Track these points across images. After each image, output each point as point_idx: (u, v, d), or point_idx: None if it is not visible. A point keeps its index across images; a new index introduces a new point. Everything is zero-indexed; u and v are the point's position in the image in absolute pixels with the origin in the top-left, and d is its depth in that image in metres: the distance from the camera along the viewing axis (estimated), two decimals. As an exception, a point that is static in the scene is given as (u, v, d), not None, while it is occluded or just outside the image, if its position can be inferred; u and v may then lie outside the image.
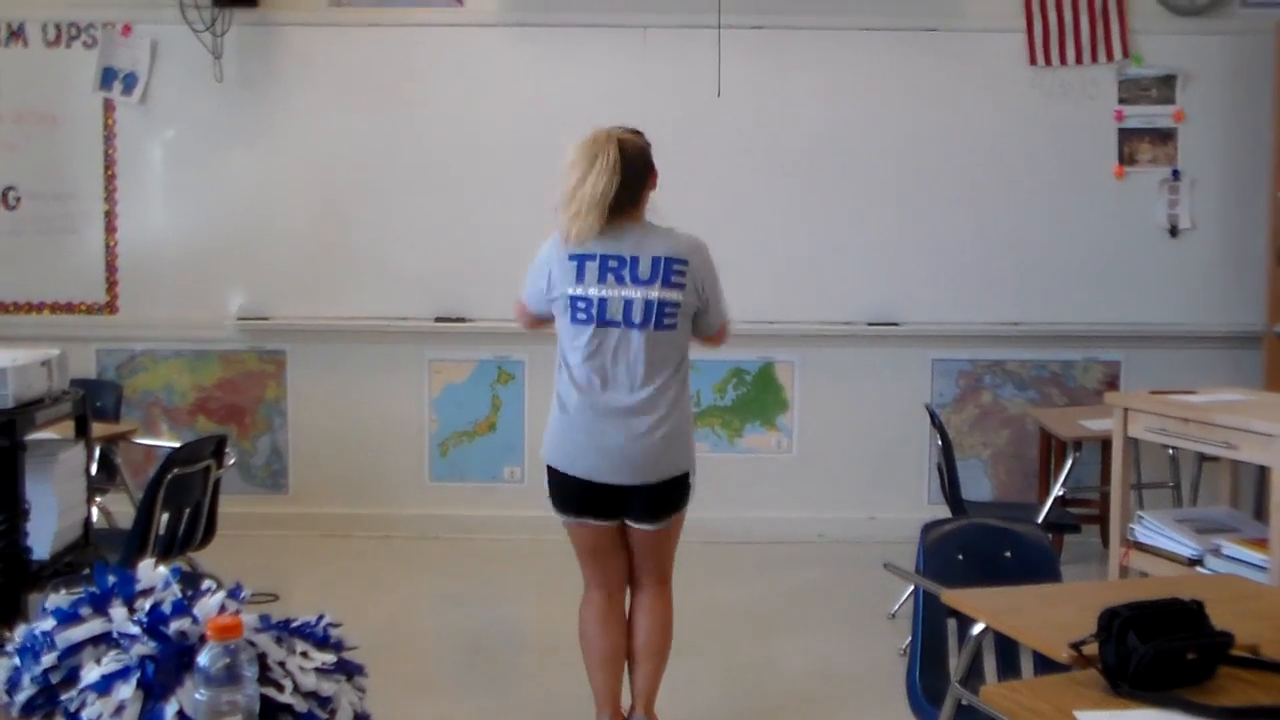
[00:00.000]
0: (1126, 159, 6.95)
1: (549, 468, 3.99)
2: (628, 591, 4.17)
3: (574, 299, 3.87)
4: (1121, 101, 6.93)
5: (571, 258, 3.86)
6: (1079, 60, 6.87)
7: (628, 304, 3.84)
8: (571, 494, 3.97)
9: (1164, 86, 6.91)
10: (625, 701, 4.14)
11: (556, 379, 3.98)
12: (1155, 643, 2.15)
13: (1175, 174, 6.94)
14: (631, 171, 3.84)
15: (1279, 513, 3.85)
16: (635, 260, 3.84)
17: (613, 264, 3.84)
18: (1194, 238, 6.97)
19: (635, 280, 3.83)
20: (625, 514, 3.99)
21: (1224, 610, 2.30)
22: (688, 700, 4.53)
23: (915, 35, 6.86)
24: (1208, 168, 6.95)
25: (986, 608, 2.73)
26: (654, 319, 3.84)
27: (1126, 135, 6.94)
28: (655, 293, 3.83)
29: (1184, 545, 4.13)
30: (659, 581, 4.12)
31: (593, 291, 3.85)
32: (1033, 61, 6.88)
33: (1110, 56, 6.86)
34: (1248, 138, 6.87)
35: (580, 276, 3.86)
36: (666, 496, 3.98)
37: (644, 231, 3.89)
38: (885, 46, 6.86)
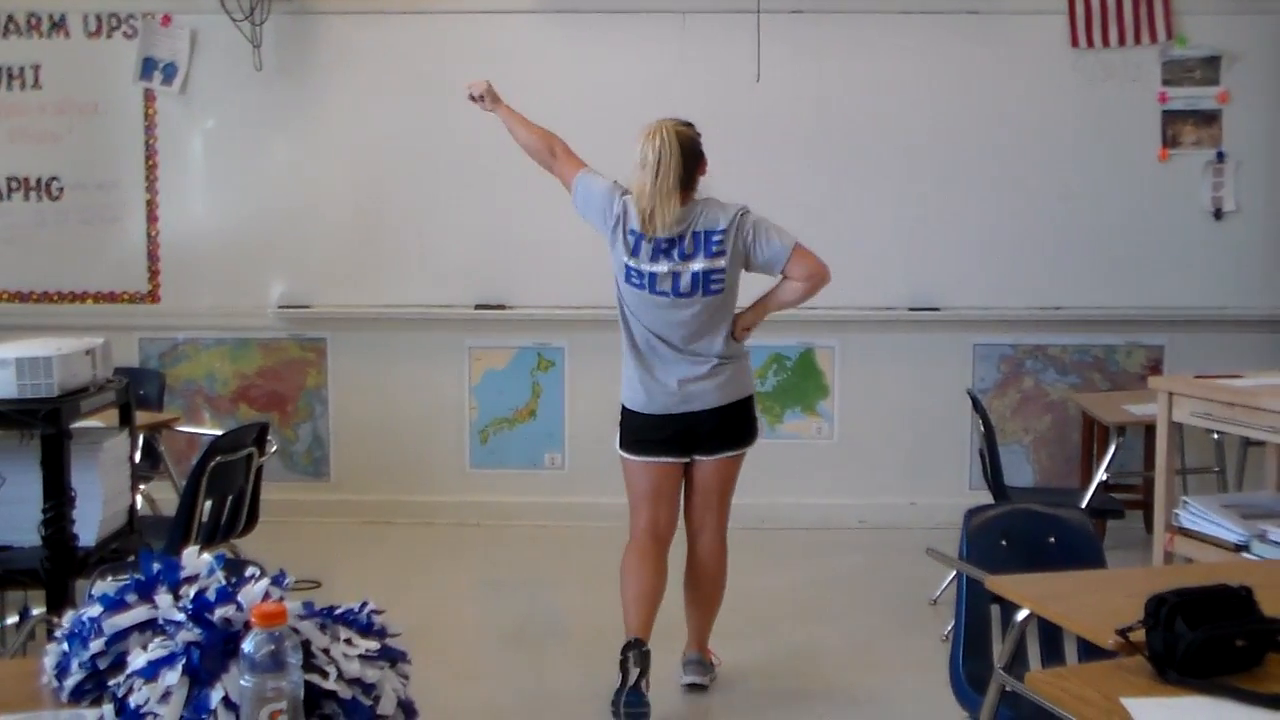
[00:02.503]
0: (1170, 141, 6.88)
1: (624, 409, 4.45)
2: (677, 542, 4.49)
3: (629, 268, 4.27)
4: (1165, 83, 6.86)
5: (631, 232, 4.25)
6: (1122, 42, 6.80)
7: (676, 277, 4.22)
8: (645, 431, 4.39)
9: (1208, 68, 6.84)
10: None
11: (621, 331, 4.42)
12: (1203, 629, 2.12)
13: (1220, 156, 6.87)
14: (687, 160, 4.19)
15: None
16: (681, 238, 4.21)
17: (664, 245, 4.22)
18: (1239, 220, 6.90)
19: (682, 256, 4.22)
20: (695, 448, 4.37)
21: (1272, 596, 2.27)
22: (730, 686, 4.53)
23: (956, 18, 6.81)
24: (1253, 150, 6.88)
25: (1031, 594, 2.71)
26: (701, 287, 4.22)
27: (1170, 117, 6.88)
28: (699, 264, 4.21)
29: (1229, 530, 4.09)
30: (717, 525, 4.46)
31: (645, 266, 4.24)
32: (1075, 44, 6.82)
33: (1154, 38, 6.79)
34: (1294, 119, 6.80)
35: (636, 250, 4.25)
36: (734, 423, 4.37)
37: (690, 211, 4.22)
38: (926, 30, 6.82)
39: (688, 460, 4.42)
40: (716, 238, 4.20)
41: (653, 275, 4.22)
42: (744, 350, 4.44)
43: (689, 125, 4.28)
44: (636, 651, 4.22)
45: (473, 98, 4.70)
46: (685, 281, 4.21)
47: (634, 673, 4.19)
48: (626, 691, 4.17)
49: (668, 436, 4.36)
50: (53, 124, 6.99)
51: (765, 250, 4.26)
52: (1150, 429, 5.64)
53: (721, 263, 4.21)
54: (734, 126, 6.57)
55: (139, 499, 4.79)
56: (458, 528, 6.93)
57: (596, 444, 6.94)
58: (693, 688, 4.51)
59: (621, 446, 4.46)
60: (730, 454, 4.40)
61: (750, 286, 4.41)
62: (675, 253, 4.21)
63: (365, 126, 6.94)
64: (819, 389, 7.05)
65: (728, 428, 4.36)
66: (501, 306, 6.95)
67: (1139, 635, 2.21)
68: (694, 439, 4.36)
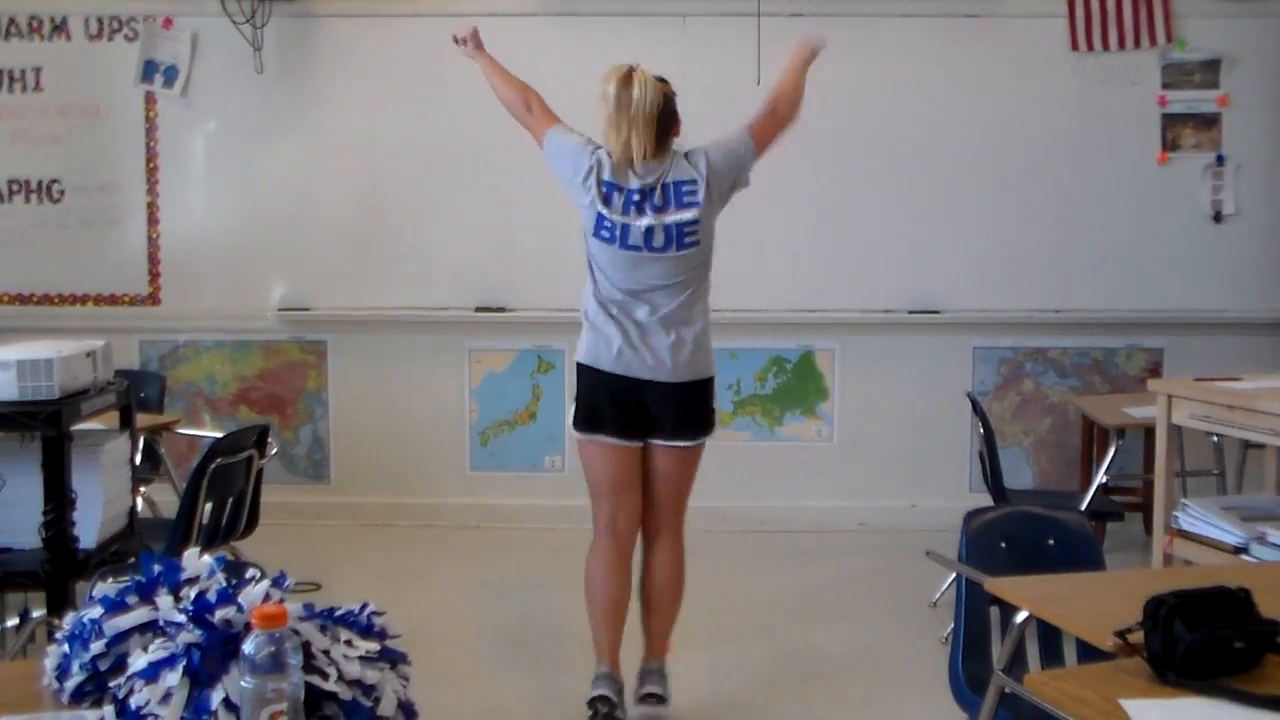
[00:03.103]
0: (1170, 144, 6.89)
1: (580, 367, 4.21)
2: (638, 542, 4.31)
3: (600, 217, 4.09)
4: (1165, 86, 6.86)
5: (605, 183, 4.09)
6: (1121, 45, 6.81)
7: (648, 231, 4.06)
8: (598, 394, 4.15)
9: (1208, 71, 6.84)
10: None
11: (586, 286, 4.20)
12: (1202, 631, 2.13)
13: (1219, 159, 6.88)
14: (663, 114, 4.08)
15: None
16: (653, 190, 4.06)
17: (635, 197, 4.07)
18: (1238, 224, 6.91)
19: (654, 209, 4.06)
20: (651, 430, 4.16)
21: (1271, 598, 2.28)
22: (730, 688, 4.53)
23: (956, 22, 6.82)
24: (1253, 153, 6.88)
25: (1030, 596, 2.72)
26: (675, 241, 4.07)
27: (1170, 120, 6.88)
28: (672, 216, 4.06)
29: (1229, 533, 4.10)
30: (674, 526, 4.28)
31: (616, 218, 4.07)
32: (1074, 47, 6.83)
33: (1154, 41, 6.80)
34: (1293, 122, 6.81)
35: (608, 200, 4.09)
36: (694, 406, 4.17)
37: (663, 162, 4.10)
38: (926, 34, 6.83)
39: (642, 445, 4.19)
40: (688, 188, 4.06)
41: (625, 227, 4.05)
42: (709, 310, 4.22)
43: (662, 80, 4.14)
44: (605, 695, 4.12)
45: (456, 40, 4.63)
46: (659, 236, 4.04)
47: (608, 711, 4.11)
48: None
49: (622, 409, 4.13)
50: (54, 126, 7.00)
51: (728, 152, 4.13)
52: (1150, 432, 5.63)
53: (694, 214, 4.05)
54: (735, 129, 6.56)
55: (139, 501, 4.80)
56: (458, 530, 6.93)
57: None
58: (650, 698, 4.27)
59: (575, 424, 4.22)
60: (687, 443, 4.18)
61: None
62: (647, 205, 4.05)
63: (366, 129, 6.95)
64: (819, 391, 7.06)
65: (687, 410, 4.15)
66: (502, 309, 6.95)
67: (1138, 637, 2.21)
68: (649, 418, 4.14)
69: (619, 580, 4.24)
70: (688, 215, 4.05)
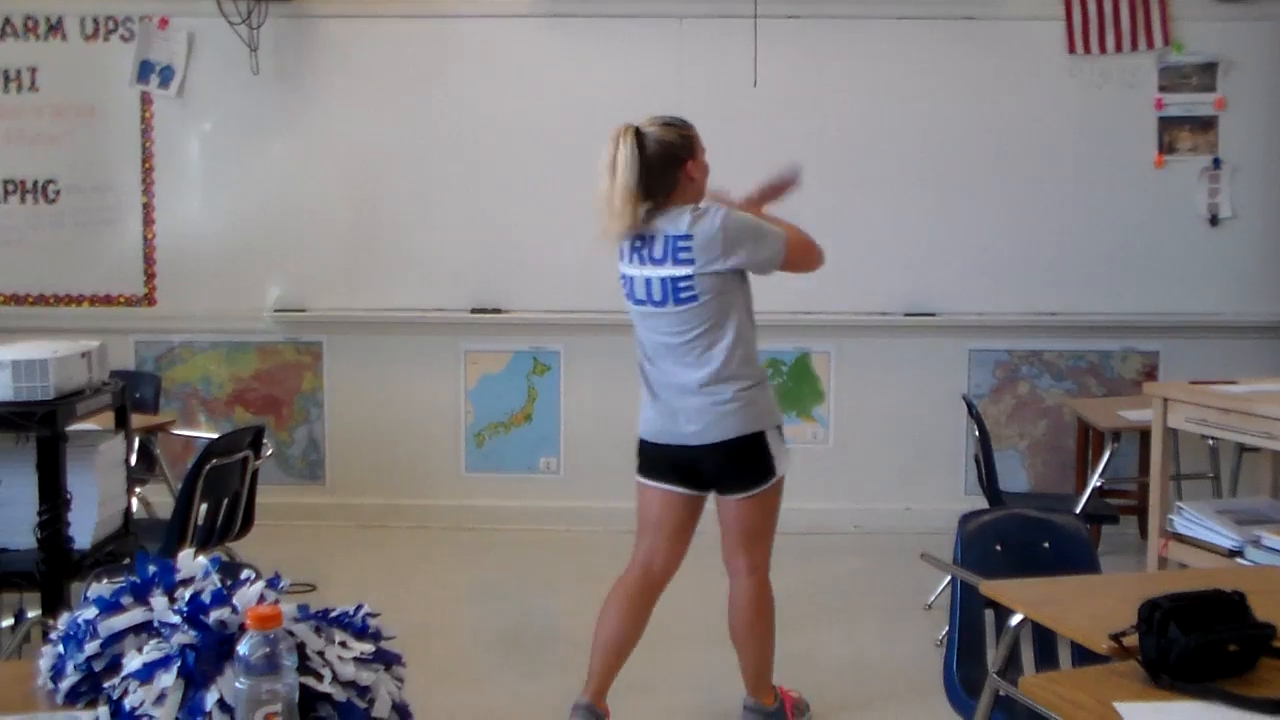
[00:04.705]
0: (1166, 147, 6.90)
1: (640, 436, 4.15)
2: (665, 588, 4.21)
3: (622, 275, 4.06)
4: (1162, 89, 6.87)
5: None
6: (1119, 48, 6.81)
7: (648, 283, 3.96)
8: (651, 457, 4.11)
9: (1205, 74, 6.85)
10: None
11: None
12: (1196, 634, 2.13)
13: (1216, 162, 6.88)
14: (656, 162, 3.91)
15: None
16: (652, 240, 3.94)
17: (638, 244, 3.97)
18: (1235, 227, 6.91)
19: (652, 260, 3.94)
20: (708, 485, 4.08)
21: (1266, 602, 2.28)
22: (725, 690, 4.53)
23: (953, 24, 6.82)
24: (1249, 156, 6.89)
25: (1025, 598, 2.72)
26: (671, 296, 3.92)
27: (1167, 123, 6.89)
28: (667, 270, 3.91)
29: (1224, 536, 4.10)
30: (744, 569, 4.13)
31: (625, 269, 4.03)
32: (1072, 50, 6.83)
33: (1151, 44, 6.80)
34: (1289, 126, 6.81)
35: (622, 254, 4.03)
36: (742, 462, 4.01)
37: (667, 215, 3.94)
38: (922, 36, 6.83)
39: (702, 493, 4.12)
40: (682, 243, 3.87)
41: (631, 280, 3.99)
42: (754, 376, 4.03)
43: (670, 124, 3.99)
44: None
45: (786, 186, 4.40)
46: (655, 288, 3.92)
47: None
48: None
49: (673, 463, 4.06)
50: (49, 126, 6.99)
51: (750, 255, 3.92)
52: (1145, 435, 5.65)
53: (688, 270, 3.86)
54: (731, 131, 6.54)
55: (134, 502, 4.80)
56: (453, 531, 6.93)
57: (592, 448, 6.96)
58: None
59: (637, 468, 4.18)
60: (743, 496, 4.04)
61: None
62: (647, 255, 3.93)
63: (362, 130, 6.95)
64: (814, 394, 7.06)
65: (734, 467, 4.01)
66: (497, 310, 6.95)
67: (1132, 640, 2.21)
68: (701, 476, 4.06)
69: (630, 619, 4.15)
70: (682, 271, 3.88)
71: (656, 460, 4.10)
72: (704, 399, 3.95)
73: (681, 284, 3.90)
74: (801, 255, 4.10)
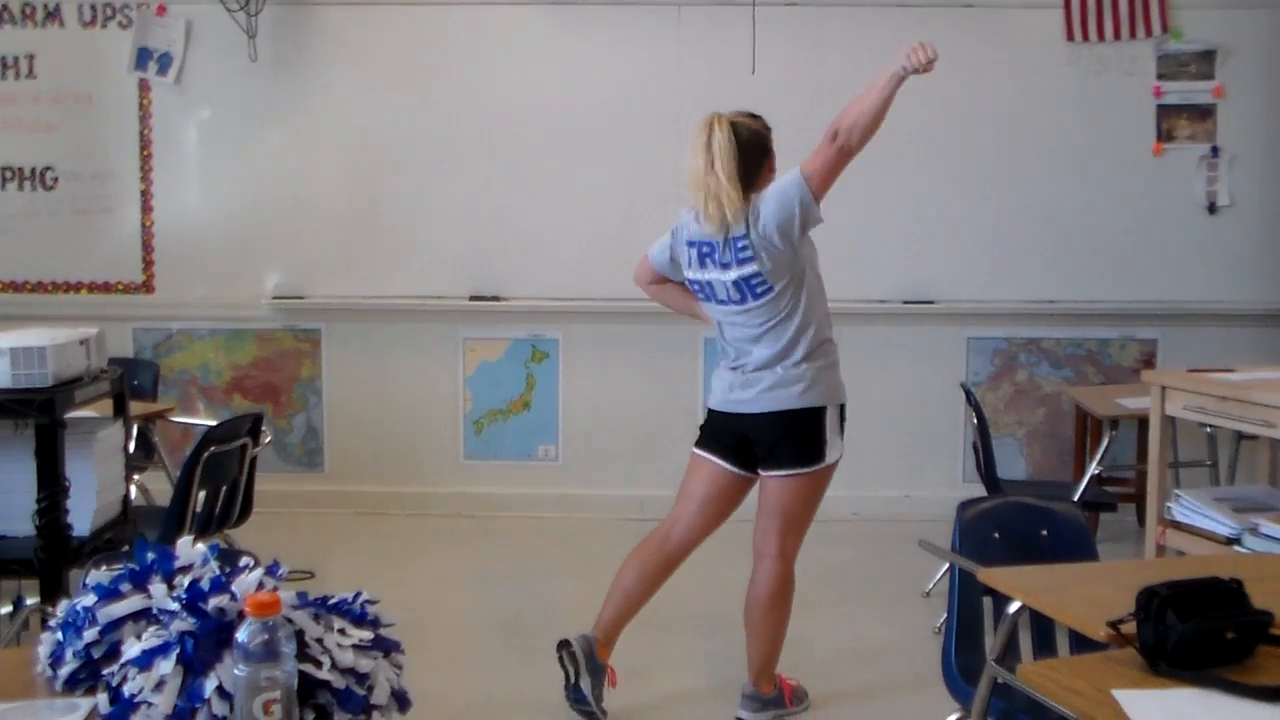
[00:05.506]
0: (1165, 135, 6.89)
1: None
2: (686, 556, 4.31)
3: (691, 281, 4.14)
4: (1160, 77, 6.86)
5: (687, 243, 4.10)
6: (1117, 36, 6.80)
7: (726, 287, 4.03)
8: (712, 428, 4.22)
9: (1203, 62, 6.84)
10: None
11: None
12: (1194, 621, 2.13)
13: (1214, 150, 6.87)
14: (749, 151, 3.98)
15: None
16: (715, 244, 4.01)
17: (705, 249, 4.05)
18: (1233, 215, 6.91)
19: (719, 264, 4.02)
20: (757, 461, 4.13)
21: (1263, 589, 2.28)
22: (722, 677, 4.54)
23: (951, 11, 6.80)
24: (1247, 144, 6.88)
25: (1023, 586, 2.72)
26: (745, 294, 4.01)
27: (1165, 111, 6.88)
28: (734, 272, 3.99)
29: (1222, 524, 4.11)
30: (773, 552, 4.16)
31: (697, 275, 4.10)
32: (1070, 37, 6.82)
33: (1149, 32, 6.79)
34: (1288, 113, 6.81)
35: (689, 261, 4.11)
36: (795, 435, 4.06)
37: (743, 210, 3.96)
38: (920, 23, 6.79)
39: (749, 475, 4.19)
40: (741, 243, 3.94)
41: (710, 285, 4.06)
42: (828, 355, 4.18)
43: (755, 117, 4.09)
44: (566, 651, 4.21)
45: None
46: (733, 290, 4.01)
47: (570, 671, 4.20)
48: (569, 689, 4.21)
49: (726, 431, 4.16)
50: (47, 114, 6.98)
51: (779, 206, 3.93)
52: (1143, 423, 5.66)
53: (753, 267, 3.95)
54: (729, 119, 6.56)
55: (133, 489, 4.79)
56: (451, 519, 6.93)
57: (590, 436, 6.96)
58: None
59: (694, 442, 4.31)
60: (790, 472, 4.08)
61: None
62: (715, 260, 4.02)
63: (360, 118, 6.93)
64: (813, 381, 7.04)
65: (787, 440, 4.06)
66: (496, 298, 6.95)
67: (1130, 627, 2.22)
68: (752, 450, 4.13)
69: (639, 577, 4.26)
70: (748, 269, 3.97)
71: (716, 430, 4.19)
72: (779, 373, 4.04)
73: (754, 280, 3.99)
74: (829, 151, 4.02)
